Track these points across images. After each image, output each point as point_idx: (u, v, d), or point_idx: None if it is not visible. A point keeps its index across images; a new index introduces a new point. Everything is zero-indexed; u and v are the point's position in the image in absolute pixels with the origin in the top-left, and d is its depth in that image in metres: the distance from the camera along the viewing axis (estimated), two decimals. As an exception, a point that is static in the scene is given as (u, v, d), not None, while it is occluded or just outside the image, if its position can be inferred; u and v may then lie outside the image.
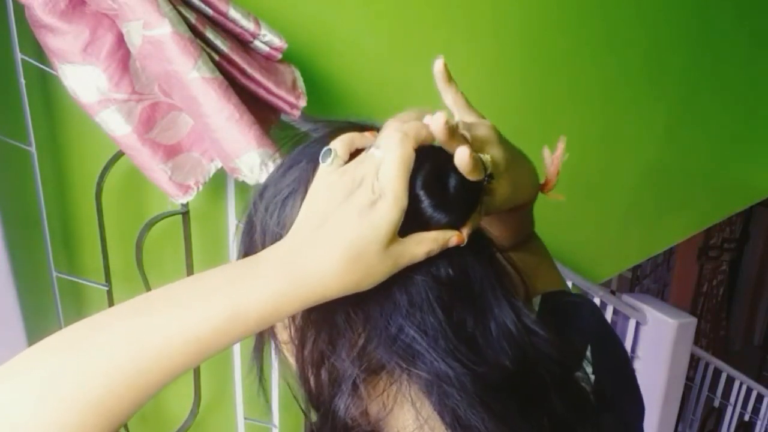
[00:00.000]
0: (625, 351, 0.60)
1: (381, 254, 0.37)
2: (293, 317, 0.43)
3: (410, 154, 0.38)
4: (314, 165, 0.42)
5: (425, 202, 0.40)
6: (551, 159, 0.54)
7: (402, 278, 0.40)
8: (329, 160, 0.40)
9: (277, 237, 0.41)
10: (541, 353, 0.43)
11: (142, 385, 0.36)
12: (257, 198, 0.46)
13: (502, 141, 0.47)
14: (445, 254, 0.41)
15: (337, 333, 0.41)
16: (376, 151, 0.38)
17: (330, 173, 0.40)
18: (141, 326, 0.36)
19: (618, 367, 0.57)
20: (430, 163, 0.40)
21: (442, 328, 0.40)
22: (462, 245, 0.41)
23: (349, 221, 0.37)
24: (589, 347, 0.53)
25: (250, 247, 0.46)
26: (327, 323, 0.41)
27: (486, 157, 0.42)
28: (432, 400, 0.41)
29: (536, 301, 0.57)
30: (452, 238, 0.40)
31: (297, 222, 0.39)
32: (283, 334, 0.45)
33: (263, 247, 0.41)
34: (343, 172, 0.39)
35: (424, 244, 0.39)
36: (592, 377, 0.51)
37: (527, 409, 0.42)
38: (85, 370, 0.35)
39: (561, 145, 0.54)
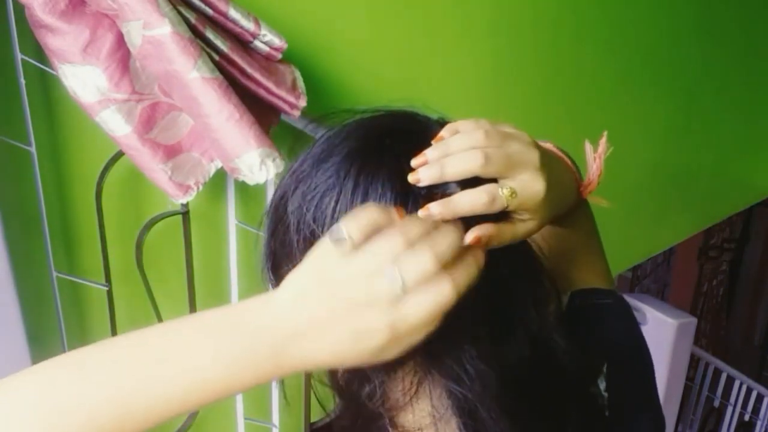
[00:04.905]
0: (649, 364, 0.55)
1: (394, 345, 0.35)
2: None
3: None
4: (350, 164, 0.41)
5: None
6: (593, 156, 0.47)
7: None
8: (341, 245, 0.35)
9: (313, 233, 0.40)
10: (559, 366, 0.42)
11: None
12: (289, 190, 0.44)
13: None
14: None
15: None
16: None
17: (343, 254, 0.35)
18: (120, 387, 0.36)
19: (637, 381, 0.53)
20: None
21: (466, 335, 0.40)
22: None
23: (368, 319, 0.34)
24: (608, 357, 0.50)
25: (284, 238, 0.44)
26: None
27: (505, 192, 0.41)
28: (451, 402, 0.41)
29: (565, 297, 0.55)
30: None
31: (297, 292, 0.36)
32: None
33: (298, 243, 0.41)
34: (361, 254, 0.35)
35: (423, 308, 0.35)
36: (605, 391, 0.49)
37: (545, 421, 0.42)
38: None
39: (603, 141, 0.48)
